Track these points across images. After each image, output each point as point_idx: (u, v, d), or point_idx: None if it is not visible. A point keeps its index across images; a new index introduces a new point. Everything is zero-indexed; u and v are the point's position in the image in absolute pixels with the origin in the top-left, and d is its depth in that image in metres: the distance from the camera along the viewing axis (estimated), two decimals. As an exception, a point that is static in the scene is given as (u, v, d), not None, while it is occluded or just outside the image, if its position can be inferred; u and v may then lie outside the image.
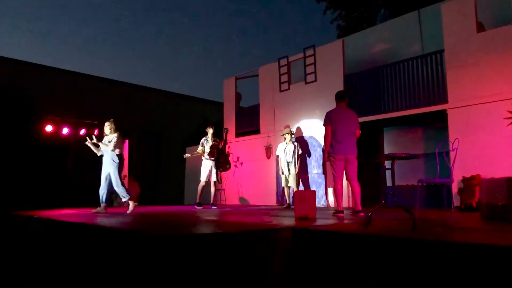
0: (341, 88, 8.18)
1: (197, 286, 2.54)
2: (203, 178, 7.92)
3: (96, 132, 9.91)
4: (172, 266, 2.54)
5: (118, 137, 6.13)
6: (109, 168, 6.07)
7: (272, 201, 9.58)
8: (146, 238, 2.99)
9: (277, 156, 8.37)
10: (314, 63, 9.10)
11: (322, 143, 7.45)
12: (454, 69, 6.87)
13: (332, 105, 5.66)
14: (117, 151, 6.09)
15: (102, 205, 6.07)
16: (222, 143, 8.08)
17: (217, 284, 2.62)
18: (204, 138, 8.07)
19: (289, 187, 8.10)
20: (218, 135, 8.44)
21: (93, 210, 6.13)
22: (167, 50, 58.00)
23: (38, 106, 10.60)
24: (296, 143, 8.13)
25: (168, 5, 58.14)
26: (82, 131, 10.00)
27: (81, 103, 11.82)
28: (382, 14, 16.56)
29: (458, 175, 5.87)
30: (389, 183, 5.10)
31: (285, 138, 8.17)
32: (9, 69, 11.14)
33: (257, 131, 10.39)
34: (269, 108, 10.15)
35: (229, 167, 8.25)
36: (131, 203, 6.02)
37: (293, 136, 8.28)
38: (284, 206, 8.00)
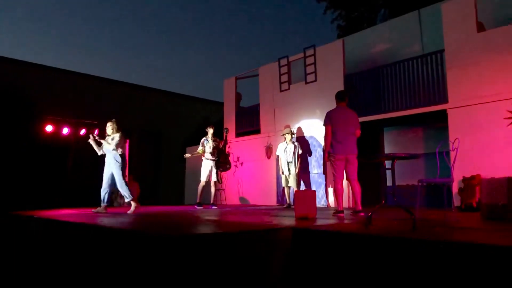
0: (341, 88, 8.18)
1: (197, 286, 2.53)
2: (203, 178, 7.92)
3: (96, 132, 9.91)
4: (172, 266, 2.54)
5: (121, 137, 6.14)
6: (112, 168, 6.07)
7: (272, 201, 9.58)
8: (146, 238, 2.99)
9: (277, 156, 8.37)
10: (314, 63, 9.10)
11: (322, 143, 7.45)
12: (454, 69, 6.86)
13: (332, 105, 5.66)
14: (119, 150, 6.09)
15: (103, 205, 6.07)
16: (222, 143, 8.08)
17: (217, 284, 2.62)
18: (204, 138, 8.07)
19: (289, 187, 8.10)
20: (218, 135, 8.45)
21: (93, 210, 6.13)
22: (167, 50, 58.03)
23: (38, 106, 10.61)
24: (296, 143, 8.13)
25: (168, 5, 58.14)
26: (82, 131, 10.00)
27: (81, 103, 11.82)
28: (382, 14, 16.58)
29: (458, 175, 5.87)
30: (389, 183, 5.10)
31: (285, 138, 8.17)
32: (9, 69, 11.14)
33: (257, 131, 10.39)
34: (269, 108, 10.15)
35: (229, 167, 8.25)
36: (133, 203, 6.03)
37: (293, 136, 8.28)
38: (285, 206, 8.00)
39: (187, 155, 8.64)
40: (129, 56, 55.35)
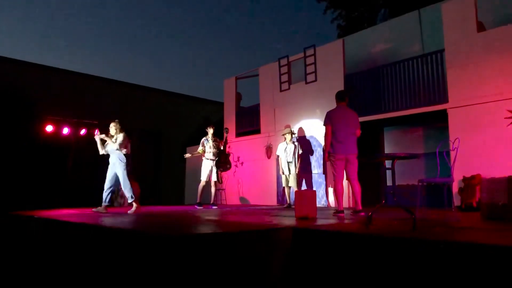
0: (342, 87, 8.18)
1: (197, 286, 2.53)
2: (203, 178, 7.92)
3: (96, 132, 9.91)
4: (172, 266, 2.54)
5: (124, 137, 6.16)
6: (116, 168, 6.08)
7: (273, 201, 9.58)
8: (147, 238, 2.99)
9: (278, 156, 8.36)
10: (315, 63, 9.10)
11: (323, 142, 7.45)
12: (455, 68, 6.86)
13: (333, 105, 5.66)
14: (124, 150, 6.11)
15: (104, 204, 6.08)
16: (223, 143, 8.09)
17: (217, 284, 2.62)
18: (204, 138, 8.07)
19: (290, 187, 8.09)
20: (219, 135, 8.44)
21: (94, 209, 6.14)
22: (167, 50, 58.02)
23: (38, 106, 10.61)
24: (296, 143, 8.12)
25: (168, 5, 58.15)
26: (82, 131, 10.01)
27: (81, 103, 11.82)
28: (382, 13, 16.57)
29: (458, 174, 5.87)
30: (389, 182, 5.10)
31: (285, 138, 8.16)
32: (9, 69, 11.14)
33: (257, 131, 10.39)
34: (270, 108, 10.15)
35: (230, 167, 8.25)
36: (134, 204, 6.04)
37: (293, 136, 8.28)
38: (285, 206, 8.00)
39: (187, 155, 8.64)
40: (129, 56, 55.37)
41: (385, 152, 8.87)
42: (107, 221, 4.50)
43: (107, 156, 6.36)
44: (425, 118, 7.61)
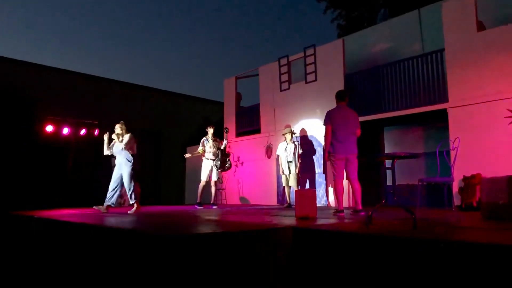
0: (342, 87, 8.17)
1: (197, 286, 2.53)
2: (203, 178, 7.92)
3: (96, 132, 9.92)
4: (172, 266, 2.54)
5: (131, 137, 6.19)
6: (122, 169, 6.10)
7: (273, 200, 9.58)
8: (147, 238, 2.99)
9: (278, 156, 8.36)
10: (315, 63, 9.09)
11: (323, 142, 7.45)
12: (455, 68, 6.86)
13: (333, 105, 5.66)
14: (129, 151, 6.14)
15: (106, 204, 6.08)
16: (223, 143, 8.08)
17: (217, 284, 2.62)
18: (204, 138, 8.07)
19: (290, 187, 8.09)
20: (219, 135, 8.44)
21: (95, 207, 6.15)
22: (167, 50, 58.03)
23: (38, 106, 10.61)
24: (296, 143, 8.12)
25: (169, 5, 58.16)
26: (82, 131, 10.00)
27: (81, 103, 11.82)
28: (382, 13, 16.57)
29: (458, 174, 5.86)
30: (389, 182, 5.09)
31: (285, 138, 8.16)
32: (9, 69, 11.14)
33: (257, 131, 10.38)
34: (270, 107, 10.15)
35: (230, 167, 8.25)
36: (136, 205, 6.05)
37: (293, 135, 8.27)
38: (285, 206, 8.00)
39: (187, 155, 8.64)
40: (129, 56, 55.38)
41: (385, 151, 8.86)
42: (107, 221, 4.50)
43: (107, 157, 6.36)
44: (425, 117, 7.60)
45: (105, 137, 6.32)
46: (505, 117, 6.08)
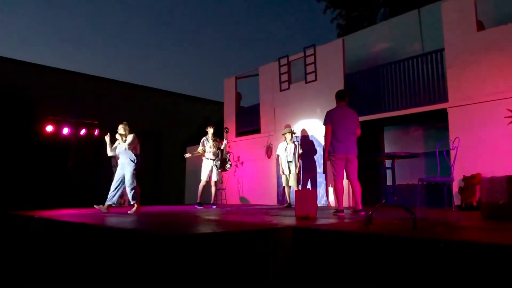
0: (341, 87, 8.17)
1: (197, 286, 2.53)
2: (203, 177, 7.92)
3: (96, 132, 9.92)
4: (172, 266, 2.54)
5: (134, 137, 6.21)
6: (125, 169, 6.11)
7: (273, 200, 9.58)
8: (147, 238, 2.99)
9: (278, 156, 8.36)
10: (314, 63, 9.09)
11: (323, 142, 7.45)
12: (454, 68, 6.86)
13: (333, 105, 5.66)
14: (134, 151, 6.15)
15: (107, 203, 6.09)
16: (222, 143, 8.08)
17: (217, 284, 2.62)
18: (204, 138, 8.07)
19: (290, 187, 8.09)
20: (219, 135, 8.44)
21: (96, 206, 6.16)
22: (167, 50, 58.03)
23: (38, 106, 10.61)
24: (296, 142, 8.11)
25: (169, 5, 58.15)
26: (82, 131, 10.00)
27: (81, 103, 11.82)
28: (382, 13, 16.57)
29: (458, 174, 5.87)
30: (389, 182, 5.09)
31: (285, 138, 8.16)
32: (9, 69, 11.14)
33: (257, 131, 10.38)
34: (270, 107, 10.15)
35: (230, 167, 8.25)
36: (136, 205, 6.06)
37: (293, 135, 8.27)
38: (285, 206, 8.00)
39: (187, 155, 8.64)
40: (129, 56, 55.38)
41: (385, 151, 8.86)
42: (107, 221, 4.50)
43: (108, 157, 6.36)
44: (425, 117, 7.61)
45: (107, 138, 6.32)
46: (505, 117, 6.08)
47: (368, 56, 9.04)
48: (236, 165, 10.51)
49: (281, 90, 9.85)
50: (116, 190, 6.12)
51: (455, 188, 6.16)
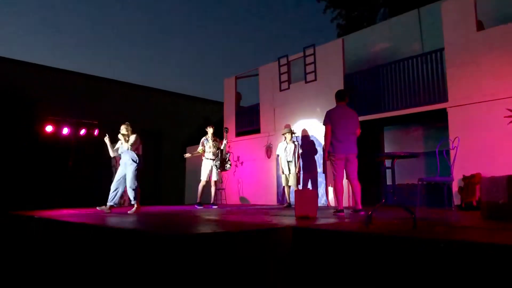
0: (341, 87, 8.17)
1: (197, 286, 2.53)
2: (203, 177, 7.92)
3: (96, 132, 9.92)
4: (172, 266, 2.54)
5: (136, 138, 6.22)
6: (127, 169, 6.11)
7: (273, 200, 9.58)
8: (147, 238, 2.99)
9: (278, 156, 8.36)
10: (314, 62, 9.09)
11: (322, 142, 7.46)
12: (454, 67, 6.86)
13: (332, 104, 5.66)
14: (136, 151, 6.16)
15: (109, 204, 6.09)
16: (222, 143, 8.09)
17: (217, 284, 2.62)
18: (204, 138, 8.07)
19: (290, 186, 8.09)
20: (218, 135, 8.44)
21: (98, 207, 6.16)
22: (167, 50, 58.02)
23: (38, 106, 10.61)
24: (296, 142, 8.12)
25: (169, 5, 58.12)
26: (82, 131, 10.00)
27: (81, 103, 11.82)
28: (382, 13, 16.55)
29: (458, 173, 5.87)
30: (389, 182, 5.09)
31: (285, 138, 8.16)
32: (9, 69, 11.14)
33: (257, 131, 10.38)
34: (269, 107, 10.15)
35: (229, 167, 8.25)
36: (136, 205, 6.06)
37: (293, 135, 8.28)
38: (285, 206, 8.00)
39: (187, 155, 8.64)
40: (129, 55, 55.38)
41: (385, 151, 8.86)
42: (107, 221, 4.50)
43: (108, 157, 6.36)
44: (425, 117, 7.61)
45: (107, 140, 6.31)
46: (504, 117, 6.08)
47: (368, 56, 9.04)
48: (236, 165, 10.51)
49: (281, 90, 9.85)
50: (116, 190, 6.12)
51: (455, 188, 6.16)
